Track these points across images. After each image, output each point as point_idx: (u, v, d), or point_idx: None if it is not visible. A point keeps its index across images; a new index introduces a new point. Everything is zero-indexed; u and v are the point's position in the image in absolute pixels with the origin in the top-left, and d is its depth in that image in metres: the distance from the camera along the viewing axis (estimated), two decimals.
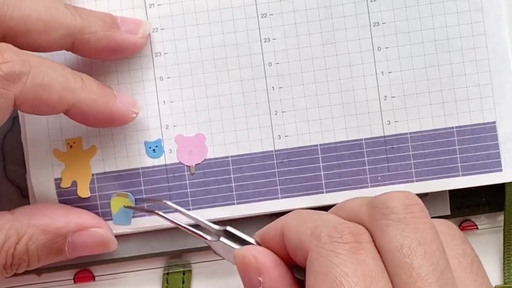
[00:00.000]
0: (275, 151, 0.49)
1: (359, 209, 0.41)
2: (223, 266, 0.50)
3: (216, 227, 0.45)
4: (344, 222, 0.40)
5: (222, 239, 0.44)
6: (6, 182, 0.50)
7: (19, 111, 0.49)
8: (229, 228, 0.45)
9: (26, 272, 0.49)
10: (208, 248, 0.49)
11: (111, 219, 0.49)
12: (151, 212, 0.48)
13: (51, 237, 0.46)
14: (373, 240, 0.39)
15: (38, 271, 0.50)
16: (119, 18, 0.47)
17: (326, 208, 0.48)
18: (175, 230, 0.49)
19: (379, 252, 0.39)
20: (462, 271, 0.40)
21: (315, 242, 0.39)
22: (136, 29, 0.48)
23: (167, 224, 0.49)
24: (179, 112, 0.49)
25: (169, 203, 0.48)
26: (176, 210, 0.48)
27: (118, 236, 0.49)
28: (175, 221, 0.46)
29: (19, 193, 0.50)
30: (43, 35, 0.44)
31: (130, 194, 0.49)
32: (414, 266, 0.38)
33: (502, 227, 0.50)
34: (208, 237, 0.45)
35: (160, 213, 0.47)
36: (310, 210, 0.43)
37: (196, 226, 0.46)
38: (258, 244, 0.44)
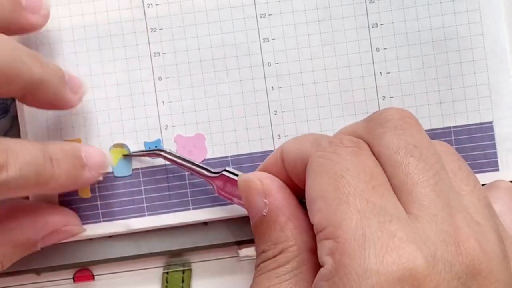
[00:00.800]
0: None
1: (356, 127, 0.41)
2: (223, 265, 0.50)
3: (214, 170, 0.47)
4: (343, 133, 0.41)
5: (224, 172, 0.46)
6: None
7: (18, 110, 0.49)
8: (228, 169, 0.46)
9: (25, 272, 0.50)
10: (208, 247, 0.49)
11: (113, 219, 0.49)
12: (153, 154, 0.49)
13: (23, 248, 0.46)
14: (371, 150, 0.40)
15: (37, 271, 0.50)
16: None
17: None
18: (175, 229, 0.49)
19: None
20: (458, 182, 0.40)
21: (316, 148, 0.40)
22: None
23: (166, 224, 0.49)
24: (178, 112, 0.49)
25: (165, 153, 0.48)
26: (173, 159, 0.48)
27: (117, 236, 0.50)
28: (177, 160, 0.48)
29: None
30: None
31: (125, 144, 0.49)
32: (411, 165, 0.38)
33: None
34: (210, 174, 0.47)
35: (162, 153, 0.48)
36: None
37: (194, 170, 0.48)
38: None
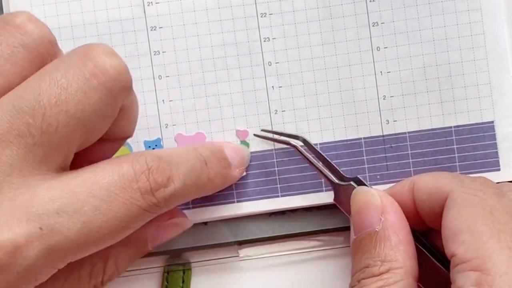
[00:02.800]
0: (275, 150, 0.49)
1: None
2: (223, 265, 0.50)
3: (342, 179, 0.47)
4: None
5: (352, 183, 0.46)
6: None
7: None
8: (359, 177, 0.46)
9: None
10: (208, 247, 0.49)
11: None
12: (288, 144, 0.48)
13: (134, 248, 0.46)
14: None
15: None
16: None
17: (325, 207, 0.49)
18: None
19: None
20: None
21: (458, 184, 0.41)
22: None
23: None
24: (178, 111, 0.49)
25: (299, 147, 0.48)
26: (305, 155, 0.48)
27: None
28: (309, 157, 0.47)
29: None
30: None
31: (129, 143, 0.49)
32: None
33: None
34: (336, 180, 0.46)
35: (299, 148, 0.48)
36: None
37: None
38: None
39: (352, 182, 0.46)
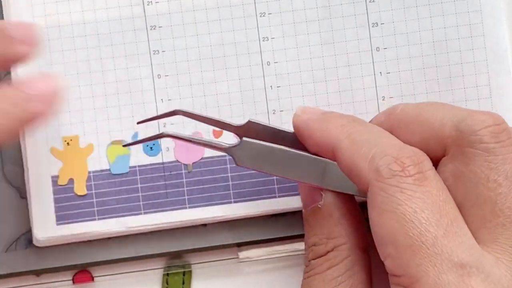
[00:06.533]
0: None
1: (442, 128, 0.40)
2: (223, 267, 0.50)
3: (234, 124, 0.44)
4: (403, 149, 0.39)
5: (245, 138, 0.43)
6: (4, 183, 0.50)
7: None
8: (251, 119, 0.44)
9: (24, 273, 0.50)
10: (207, 249, 0.49)
11: (108, 217, 0.49)
12: (158, 137, 0.46)
13: None
14: (449, 162, 0.39)
15: (37, 272, 0.50)
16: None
17: None
18: (174, 230, 0.49)
19: (451, 177, 0.39)
20: None
21: (375, 176, 0.38)
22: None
23: (163, 222, 0.49)
24: None
25: (169, 132, 0.45)
26: (181, 137, 0.45)
27: (117, 237, 0.49)
28: (186, 137, 0.45)
29: (18, 194, 0.50)
30: None
31: (124, 140, 0.49)
32: (498, 202, 0.37)
33: None
34: (226, 144, 0.44)
35: (169, 133, 0.45)
36: (360, 125, 0.42)
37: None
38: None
39: (245, 138, 0.43)
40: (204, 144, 0.45)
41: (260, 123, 0.45)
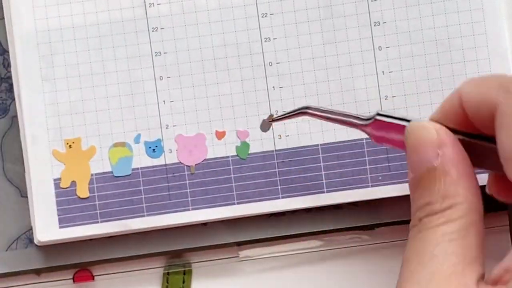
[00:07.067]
0: (276, 150, 0.49)
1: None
2: (223, 266, 0.50)
3: (364, 116, 0.44)
4: None
5: (378, 116, 0.43)
6: (4, 181, 0.50)
7: (17, 110, 0.49)
8: (380, 112, 0.43)
9: (25, 272, 0.50)
10: (208, 248, 0.49)
11: (111, 219, 0.49)
12: (300, 114, 0.46)
13: None
14: None
15: (37, 271, 0.50)
16: None
17: (325, 208, 0.49)
18: (175, 229, 0.49)
19: None
20: None
21: (505, 95, 0.38)
22: None
23: (165, 224, 0.49)
24: (179, 111, 0.49)
25: (311, 105, 0.45)
26: (319, 114, 0.45)
27: (117, 236, 0.49)
28: (323, 114, 0.45)
29: (18, 193, 0.50)
30: None
31: (128, 142, 0.49)
32: None
33: (508, 226, 0.50)
34: (360, 122, 0.43)
35: (308, 111, 0.45)
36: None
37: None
38: None
39: (377, 116, 0.43)
40: (341, 120, 0.44)
41: (387, 121, 0.43)
